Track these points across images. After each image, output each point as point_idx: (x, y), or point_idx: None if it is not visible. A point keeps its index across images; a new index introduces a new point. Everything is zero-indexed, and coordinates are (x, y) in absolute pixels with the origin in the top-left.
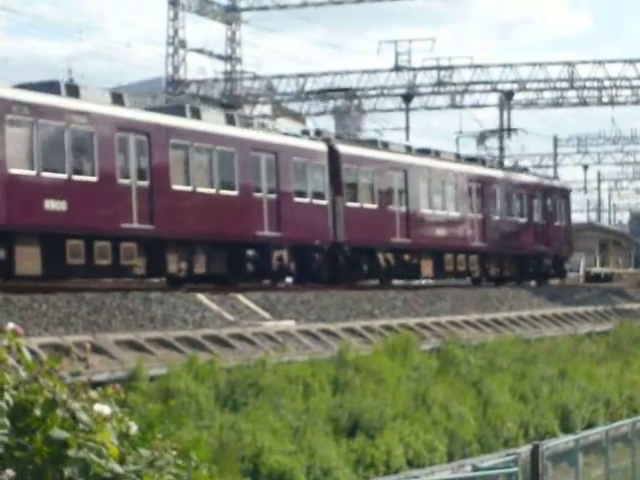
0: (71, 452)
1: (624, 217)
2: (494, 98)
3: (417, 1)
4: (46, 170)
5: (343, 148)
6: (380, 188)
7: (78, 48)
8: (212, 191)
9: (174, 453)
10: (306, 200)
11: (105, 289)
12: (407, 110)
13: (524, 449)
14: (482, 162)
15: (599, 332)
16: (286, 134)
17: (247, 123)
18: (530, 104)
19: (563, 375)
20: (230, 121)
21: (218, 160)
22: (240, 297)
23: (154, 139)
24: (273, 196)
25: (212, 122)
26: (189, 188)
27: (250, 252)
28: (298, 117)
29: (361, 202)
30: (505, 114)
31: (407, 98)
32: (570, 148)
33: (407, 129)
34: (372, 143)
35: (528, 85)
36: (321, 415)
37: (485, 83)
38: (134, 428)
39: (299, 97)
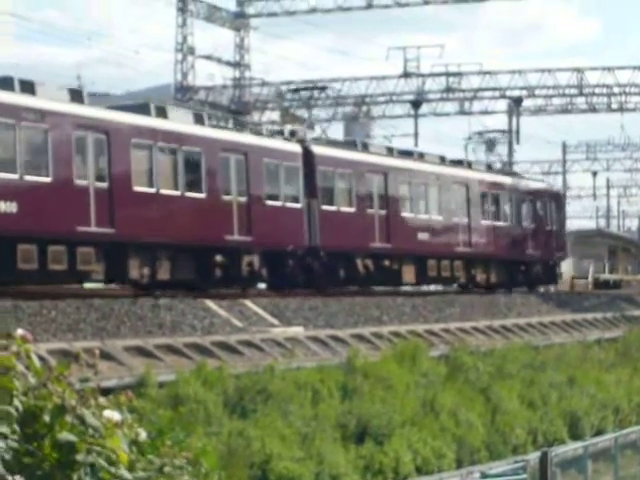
0: (80, 457)
1: (633, 224)
2: (503, 104)
3: (426, 8)
4: None
5: (318, 149)
6: (358, 191)
7: (87, 55)
8: (177, 193)
9: (184, 460)
10: (279, 203)
11: (114, 295)
12: (416, 116)
13: (533, 456)
14: (468, 165)
15: (608, 339)
16: (259, 134)
17: (256, 130)
18: (539, 110)
19: (572, 382)
20: (198, 120)
21: (184, 161)
22: (248, 303)
23: (114, 138)
24: (243, 199)
25: (179, 121)
26: (152, 190)
27: (219, 257)
28: (307, 123)
29: (338, 205)
30: (514, 120)
31: (416, 104)
32: (579, 154)
33: (416, 135)
34: (351, 145)
35: (537, 91)
36: (330, 421)
37: (494, 89)
38: (143, 434)
39: (308, 103)
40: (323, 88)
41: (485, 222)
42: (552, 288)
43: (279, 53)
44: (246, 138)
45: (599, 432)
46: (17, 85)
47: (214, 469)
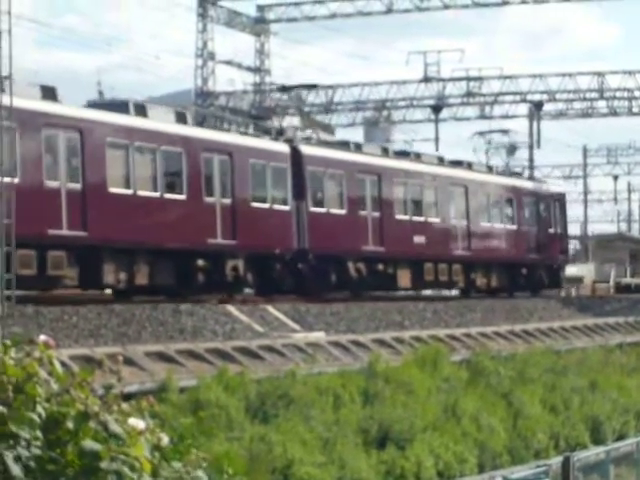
0: (104, 464)
1: None
2: (524, 109)
3: (446, 12)
4: None
5: (307, 149)
6: (350, 192)
7: (107, 60)
8: (156, 195)
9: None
10: (265, 205)
11: (135, 301)
12: (436, 121)
13: (555, 460)
14: (468, 166)
15: (630, 343)
16: (245, 133)
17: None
18: (560, 115)
19: (594, 386)
20: (181, 119)
21: (163, 161)
22: (270, 309)
23: (88, 137)
24: (227, 201)
25: (159, 120)
26: (129, 191)
27: (201, 262)
28: (327, 128)
29: (328, 207)
30: (535, 125)
31: (436, 109)
32: (600, 159)
33: (436, 140)
34: (343, 145)
35: (558, 96)
36: (351, 426)
37: (515, 94)
38: (165, 440)
39: (328, 108)
40: (313, 86)
41: (485, 224)
42: (573, 292)
43: (299, 58)
44: (231, 138)
45: (621, 437)
46: None
47: (238, 473)
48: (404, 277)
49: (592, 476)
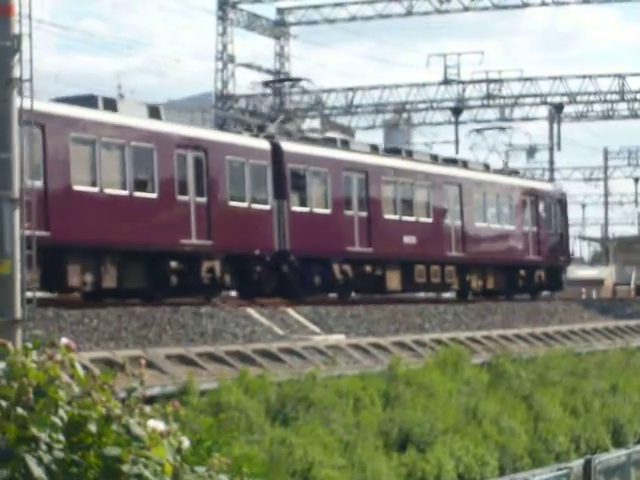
0: (125, 467)
1: None
2: (544, 111)
3: (466, 14)
4: None
5: (288, 146)
6: (335, 191)
7: (127, 64)
8: (124, 193)
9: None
10: (244, 204)
11: (156, 304)
12: (456, 123)
13: (576, 463)
14: (464, 164)
15: None
16: (223, 129)
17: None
18: (580, 117)
19: (615, 389)
20: (153, 115)
21: (133, 157)
22: (290, 311)
23: (50, 132)
24: (202, 199)
25: (129, 115)
26: (95, 189)
27: (174, 263)
28: (347, 131)
29: (311, 207)
30: (555, 127)
31: (456, 111)
32: (621, 161)
33: (456, 142)
34: (329, 142)
35: (578, 98)
36: (371, 429)
37: (535, 96)
38: (186, 443)
39: (348, 111)
40: (297, 80)
41: (480, 225)
42: (594, 294)
43: (319, 61)
44: (206, 133)
45: None
46: None
47: (259, 476)
48: (393, 279)
49: (613, 479)
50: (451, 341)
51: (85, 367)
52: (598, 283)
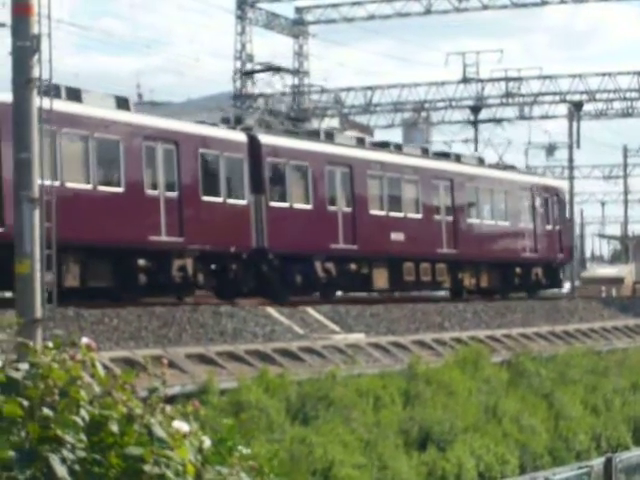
0: (147, 467)
1: None
2: (563, 109)
3: (485, 13)
4: None
5: (266, 139)
6: (316, 186)
7: (146, 63)
8: (88, 187)
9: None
10: (219, 199)
11: (175, 303)
12: (475, 122)
13: (597, 461)
14: (457, 158)
15: None
16: (201, 122)
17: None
18: (600, 114)
19: (635, 387)
20: (121, 106)
21: (97, 150)
22: (310, 310)
23: (4, 124)
24: (173, 194)
25: (94, 105)
26: (55, 183)
27: (142, 261)
28: (366, 130)
29: (290, 202)
30: (574, 125)
31: (475, 110)
32: None
33: (476, 141)
34: (312, 134)
35: (597, 95)
36: (392, 428)
37: (554, 94)
38: (207, 442)
39: (367, 110)
40: (277, 69)
41: (473, 221)
42: (614, 293)
43: (337, 60)
44: (177, 125)
45: None
46: None
47: (280, 476)
48: (380, 277)
49: (634, 477)
50: (471, 339)
51: (105, 367)
52: (618, 281)
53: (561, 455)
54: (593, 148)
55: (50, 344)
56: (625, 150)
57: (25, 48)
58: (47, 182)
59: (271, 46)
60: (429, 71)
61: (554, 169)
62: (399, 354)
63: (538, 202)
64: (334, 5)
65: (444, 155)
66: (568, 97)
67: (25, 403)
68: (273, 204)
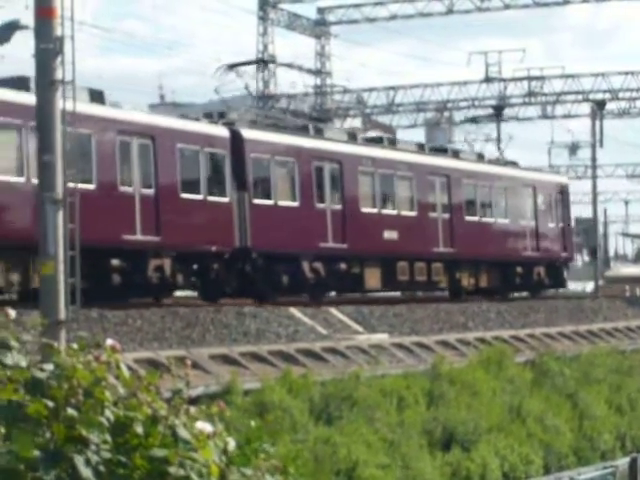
0: (172, 469)
1: None
2: (586, 108)
3: (507, 12)
4: None
5: (249, 133)
6: (303, 182)
7: (168, 64)
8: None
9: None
10: (199, 196)
11: (199, 304)
12: (498, 121)
13: (622, 461)
14: (455, 154)
15: None
16: (184, 117)
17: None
18: (623, 113)
19: None
20: (95, 99)
21: (67, 144)
22: (333, 311)
23: None
24: (150, 191)
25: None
26: (20, 179)
27: (115, 261)
28: (388, 130)
29: (275, 199)
30: (597, 124)
31: (498, 109)
32: None
33: (498, 140)
34: (300, 129)
35: (620, 94)
36: (415, 428)
37: (577, 93)
38: (232, 444)
39: (389, 110)
40: (264, 62)
41: (471, 218)
42: (638, 292)
43: (360, 60)
44: (153, 119)
45: None
46: None
47: (304, 476)
48: (372, 277)
49: None
50: (495, 339)
51: (130, 368)
52: None
53: (586, 455)
54: (616, 147)
55: (75, 346)
56: None
57: (48, 50)
58: (12, 178)
59: (293, 47)
60: (451, 71)
61: (577, 168)
62: (422, 354)
63: (540, 199)
64: (356, 5)
65: (441, 151)
66: (591, 96)
67: (50, 404)
68: (257, 201)
